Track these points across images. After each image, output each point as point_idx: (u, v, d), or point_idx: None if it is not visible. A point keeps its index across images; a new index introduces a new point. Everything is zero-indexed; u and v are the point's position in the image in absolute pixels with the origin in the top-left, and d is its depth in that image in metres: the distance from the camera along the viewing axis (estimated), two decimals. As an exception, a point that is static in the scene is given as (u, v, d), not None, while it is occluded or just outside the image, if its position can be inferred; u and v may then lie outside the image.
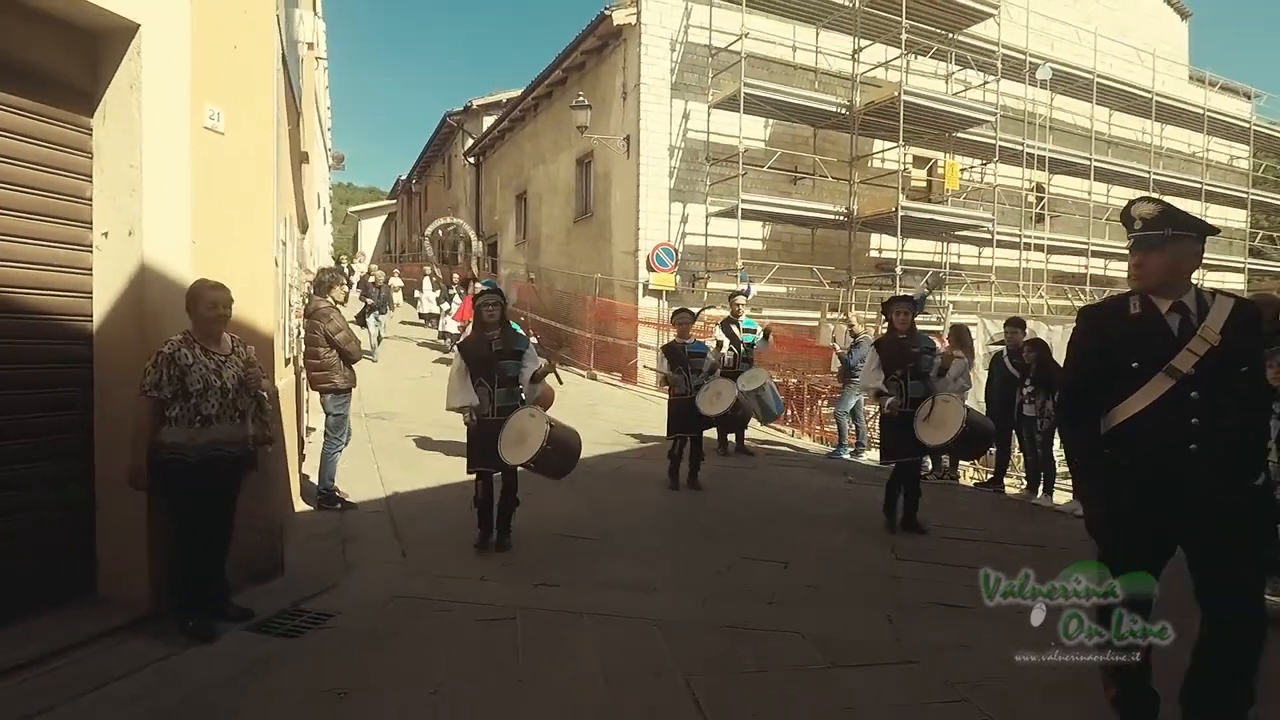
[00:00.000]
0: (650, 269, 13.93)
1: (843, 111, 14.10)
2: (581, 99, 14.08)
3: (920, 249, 15.87)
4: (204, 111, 3.64)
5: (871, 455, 8.43)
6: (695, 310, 7.62)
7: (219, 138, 3.74)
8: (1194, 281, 2.47)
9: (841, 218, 14.33)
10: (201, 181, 3.62)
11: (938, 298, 14.46)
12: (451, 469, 6.97)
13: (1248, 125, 20.60)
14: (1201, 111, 19.07)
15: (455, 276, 18.09)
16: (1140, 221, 2.43)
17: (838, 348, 9.41)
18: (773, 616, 3.80)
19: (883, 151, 15.21)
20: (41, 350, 3.34)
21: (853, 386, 8.39)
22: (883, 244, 15.57)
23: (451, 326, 14.20)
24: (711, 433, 7.49)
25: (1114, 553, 2.40)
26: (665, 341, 7.07)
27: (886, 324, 5.71)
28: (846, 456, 8.63)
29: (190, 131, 3.57)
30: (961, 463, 7.82)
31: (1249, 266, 20.63)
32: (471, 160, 24.08)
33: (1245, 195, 20.20)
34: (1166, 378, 2.31)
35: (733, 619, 3.73)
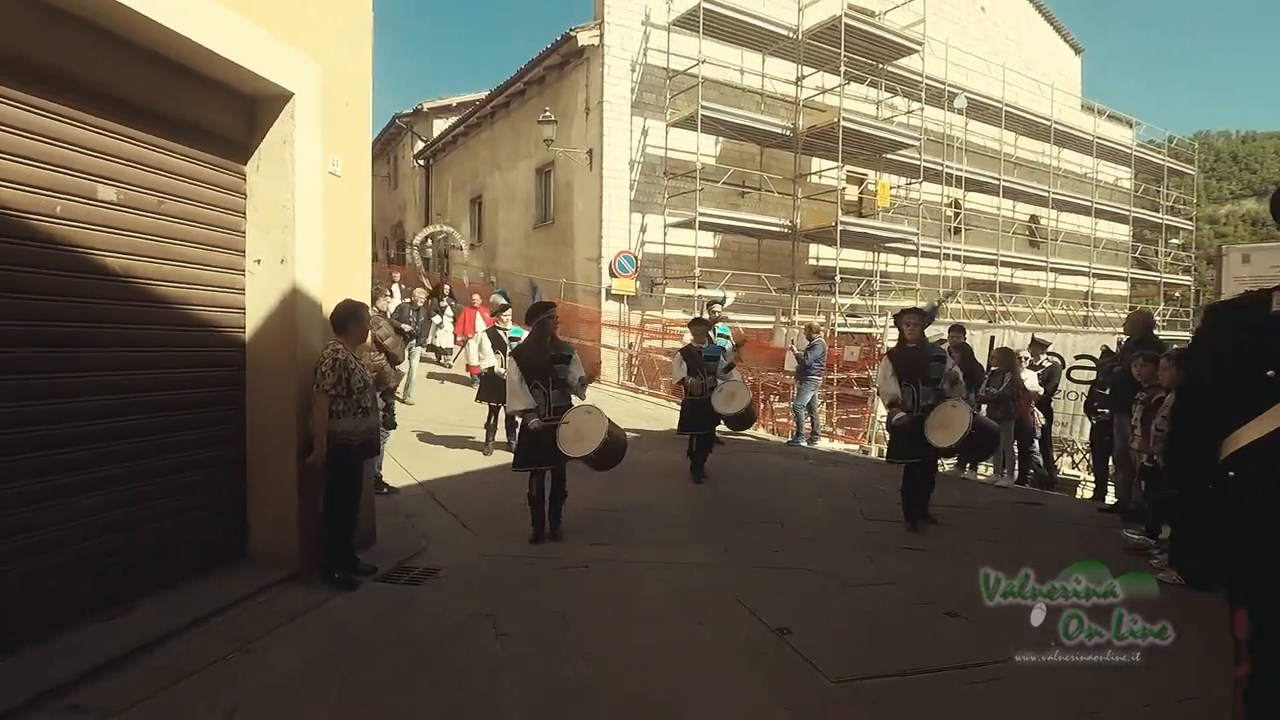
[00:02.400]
0: (612, 275, 14.92)
1: (787, 133, 15.46)
2: (548, 114, 14.94)
3: (854, 258, 17.43)
4: (329, 160, 4.45)
5: (829, 444, 9.71)
6: (708, 319, 8.36)
7: (338, 180, 4.55)
8: None
9: (786, 230, 15.71)
10: (329, 217, 4.42)
11: (869, 306, 16.07)
12: (461, 459, 7.83)
13: (1130, 150, 23.32)
14: (1091, 138, 21.51)
15: (426, 286, 18.36)
16: None
17: (794, 348, 10.64)
18: (782, 559, 4.91)
19: (821, 171, 16.68)
20: (204, 355, 4.09)
21: (810, 382, 9.63)
22: (820, 254, 17.05)
23: (444, 340, 14.21)
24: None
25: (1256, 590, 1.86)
26: (682, 347, 7.67)
27: (898, 335, 5.96)
28: (804, 444, 9.87)
29: (322, 177, 4.37)
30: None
31: (1131, 276, 23.38)
32: (422, 163, 24.42)
33: (1128, 213, 22.88)
34: None
35: (753, 561, 4.82)
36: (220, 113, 4.04)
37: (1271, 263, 8.30)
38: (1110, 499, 7.09)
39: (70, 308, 3.27)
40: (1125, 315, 10.35)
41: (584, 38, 14.87)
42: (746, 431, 11.02)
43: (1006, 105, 19.10)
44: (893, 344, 6.81)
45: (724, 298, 11.53)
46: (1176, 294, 25.14)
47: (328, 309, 4.32)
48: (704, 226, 14.77)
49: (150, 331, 3.69)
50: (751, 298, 15.95)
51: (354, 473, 4.18)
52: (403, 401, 9.40)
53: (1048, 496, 7.71)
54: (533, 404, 5.03)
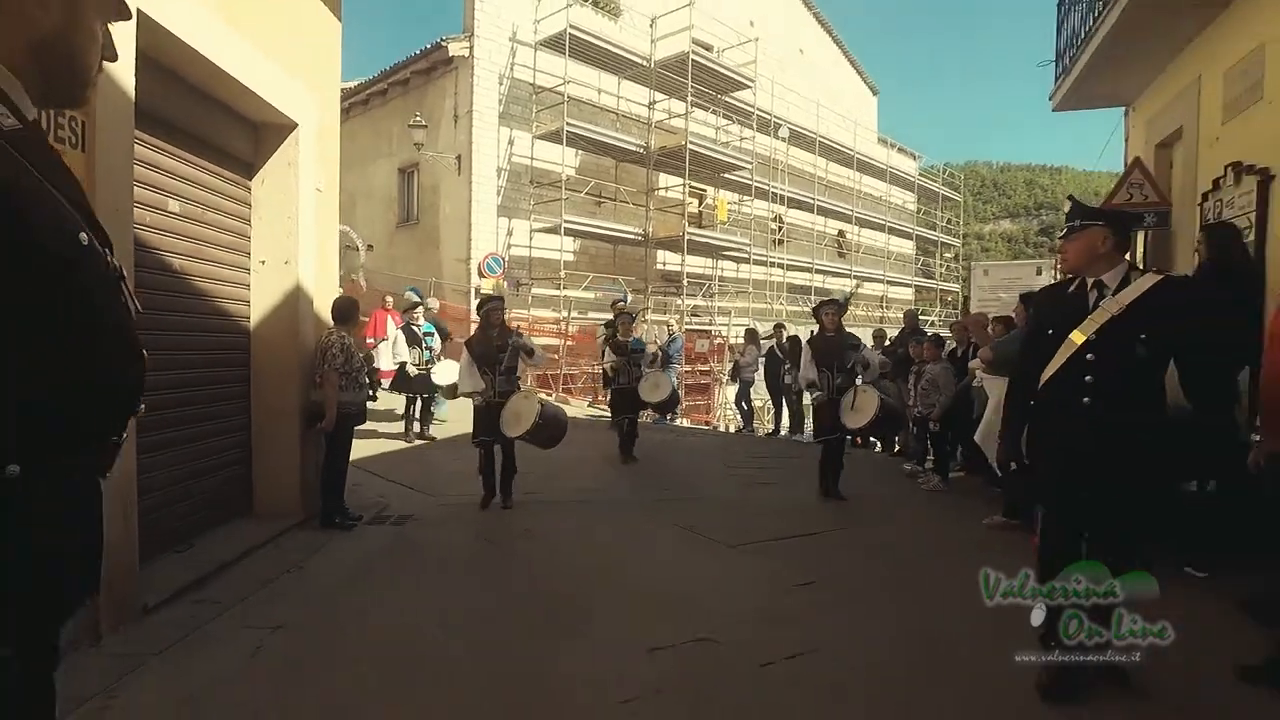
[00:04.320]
0: (481, 275, 15.85)
1: (641, 150, 17.23)
2: (419, 118, 15.54)
3: (697, 264, 19.62)
4: (317, 179, 5.35)
5: (684, 423, 11.45)
6: (634, 313, 9.24)
7: (320, 194, 5.44)
8: (1128, 262, 2.77)
9: (639, 237, 17.48)
10: (317, 226, 5.32)
11: (709, 307, 18.24)
12: (384, 445, 8.62)
13: (914, 179, 27.79)
14: (885, 166, 25.47)
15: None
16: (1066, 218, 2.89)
17: (658, 342, 12.31)
18: (679, 494, 6.45)
19: (669, 186, 18.65)
20: (226, 339, 4.87)
21: (670, 370, 11.33)
22: (668, 260, 19.02)
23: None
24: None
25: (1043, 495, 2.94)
26: (610, 341, 8.23)
27: (817, 324, 6.47)
28: (667, 421, 11.58)
29: (312, 193, 5.27)
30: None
31: (915, 283, 27.86)
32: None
33: (912, 231, 27.28)
34: (1067, 345, 2.64)
35: (659, 496, 6.32)
36: (239, 139, 4.85)
37: (1002, 275, 11.25)
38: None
39: (148, 300, 4.04)
40: (903, 313, 13.11)
41: (454, 48, 15.67)
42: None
43: (819, 136, 22.26)
44: (737, 340, 8.61)
45: (625, 296, 12.94)
46: (949, 298, 30.22)
47: (318, 302, 5.25)
48: (567, 232, 16.13)
49: (195, 319, 4.47)
50: (609, 299, 17.54)
51: (349, 435, 5.15)
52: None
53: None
54: (479, 386, 5.72)
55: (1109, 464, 2.57)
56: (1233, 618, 3.41)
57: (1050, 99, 8.11)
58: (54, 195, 1.08)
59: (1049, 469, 2.78)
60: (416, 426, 8.78)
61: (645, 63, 17.11)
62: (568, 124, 15.43)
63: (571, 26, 15.50)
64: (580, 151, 17.22)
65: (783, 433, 11.19)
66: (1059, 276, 4.57)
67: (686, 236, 17.14)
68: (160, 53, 3.69)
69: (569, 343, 15.51)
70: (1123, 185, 6.77)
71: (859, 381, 6.19)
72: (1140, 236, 6.94)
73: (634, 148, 17.11)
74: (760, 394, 12.35)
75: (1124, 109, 8.15)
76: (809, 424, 11.19)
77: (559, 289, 16.08)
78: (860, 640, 3.35)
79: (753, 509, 5.90)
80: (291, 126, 5.00)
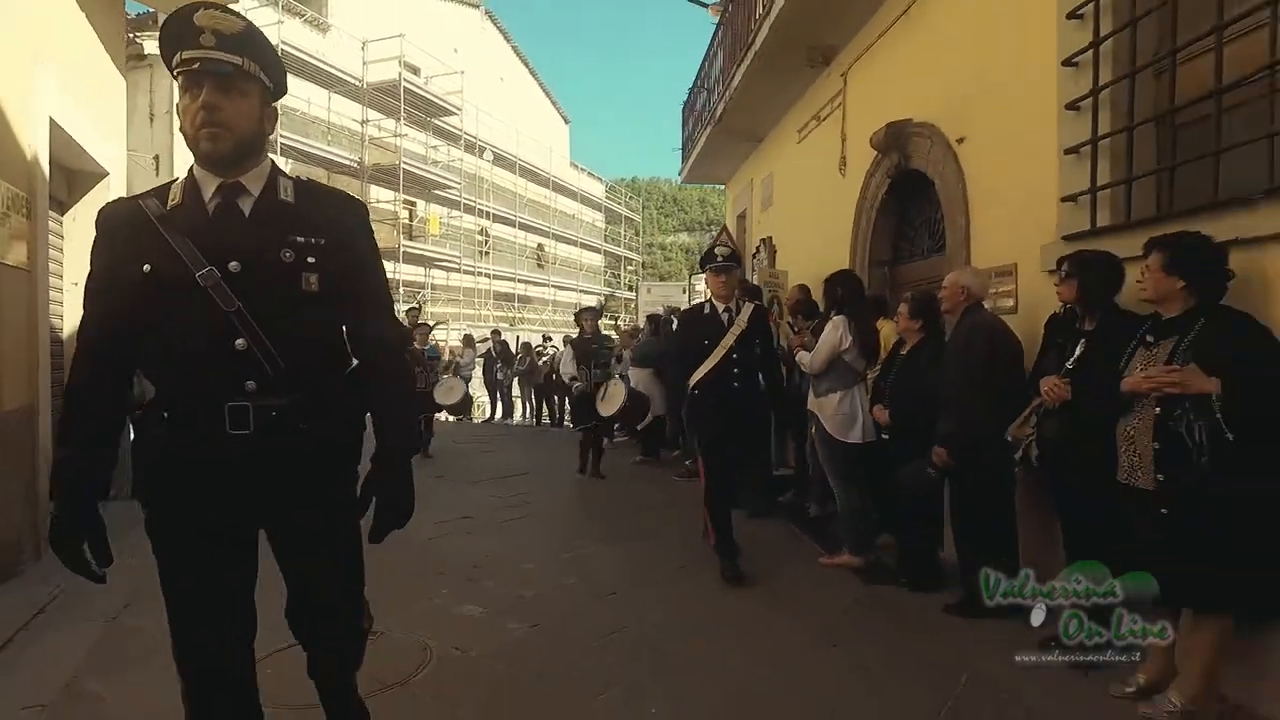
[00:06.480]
0: (187, 278, 15.67)
1: (354, 164, 18.30)
2: (108, 115, 14.84)
3: (411, 273, 21.12)
4: (118, 214, 6.44)
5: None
6: (430, 324, 10.09)
7: (119, 227, 6.52)
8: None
9: (355, 246, 18.51)
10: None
11: (425, 313, 19.96)
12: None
13: (601, 201, 32.19)
14: (576, 189, 29.31)
15: None
16: (720, 256, 4.02)
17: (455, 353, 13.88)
18: (445, 458, 8.51)
19: (381, 201, 19.91)
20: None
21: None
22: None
23: None
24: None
25: (708, 442, 4.05)
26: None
27: (578, 328, 7.51)
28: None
29: (117, 227, 6.36)
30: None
31: (604, 293, 32.27)
32: None
33: (600, 246, 31.63)
34: (721, 348, 3.86)
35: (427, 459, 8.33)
36: (60, 183, 5.86)
37: (660, 294, 15.08)
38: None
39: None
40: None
41: (150, 45, 15.20)
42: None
43: (519, 159, 25.11)
44: (456, 344, 10.82)
45: (418, 305, 14.02)
46: (634, 306, 35.36)
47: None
48: (283, 239, 16.60)
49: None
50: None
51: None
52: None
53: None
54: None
55: (747, 420, 4.05)
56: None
57: (680, 174, 11.75)
58: None
59: (708, 429, 4.05)
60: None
61: (358, 83, 18.22)
62: (281, 136, 16.01)
63: (282, 41, 16.09)
64: (292, 161, 17.71)
65: (497, 419, 13.64)
66: (691, 299, 7.53)
67: (401, 248, 18.65)
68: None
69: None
70: (718, 241, 10.46)
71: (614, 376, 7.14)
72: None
73: (348, 161, 18.12)
74: (476, 390, 14.59)
75: (724, 186, 12.12)
76: (519, 411, 13.84)
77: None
78: (542, 540, 5.91)
79: (477, 464, 8.21)
80: (103, 174, 6.11)
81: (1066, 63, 3.21)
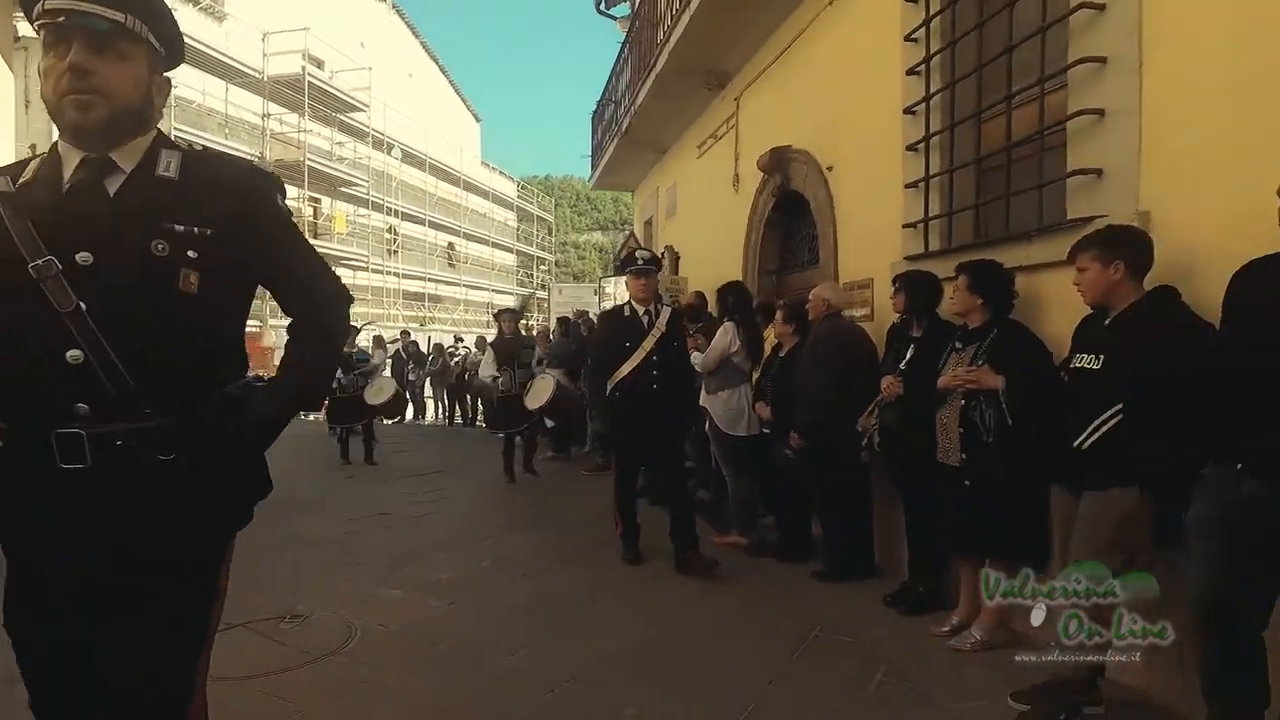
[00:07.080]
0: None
1: (256, 160, 17.70)
2: (-22, 100, 13.83)
3: (315, 270, 20.55)
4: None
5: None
6: (358, 325, 9.61)
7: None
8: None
9: (256, 243, 17.92)
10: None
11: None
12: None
13: (512, 200, 32.15)
14: (487, 188, 29.19)
15: None
16: (641, 260, 4.22)
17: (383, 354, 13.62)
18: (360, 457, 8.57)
19: (287, 200, 19.31)
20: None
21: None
22: (285, 264, 19.63)
23: None
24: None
25: (623, 443, 4.32)
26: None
27: (498, 328, 7.53)
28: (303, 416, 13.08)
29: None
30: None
31: (518, 292, 32.25)
32: None
33: (513, 246, 31.61)
34: (641, 351, 4.07)
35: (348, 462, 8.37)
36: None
37: (571, 295, 15.43)
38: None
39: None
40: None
41: (25, 27, 14.27)
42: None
43: (429, 157, 24.83)
44: (367, 344, 10.78)
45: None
46: (544, 305, 35.50)
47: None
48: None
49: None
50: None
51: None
52: None
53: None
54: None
55: (662, 422, 4.16)
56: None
57: (590, 180, 12.15)
58: None
59: (625, 430, 4.23)
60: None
61: (258, 75, 17.64)
62: (175, 129, 15.35)
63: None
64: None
65: (409, 419, 13.64)
66: (603, 301, 7.91)
67: (307, 245, 18.17)
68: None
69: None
70: (626, 244, 10.94)
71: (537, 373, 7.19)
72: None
73: (249, 157, 17.50)
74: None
75: (632, 193, 12.61)
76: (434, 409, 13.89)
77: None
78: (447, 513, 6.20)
79: (392, 464, 8.36)
80: None
81: (907, 110, 3.81)
